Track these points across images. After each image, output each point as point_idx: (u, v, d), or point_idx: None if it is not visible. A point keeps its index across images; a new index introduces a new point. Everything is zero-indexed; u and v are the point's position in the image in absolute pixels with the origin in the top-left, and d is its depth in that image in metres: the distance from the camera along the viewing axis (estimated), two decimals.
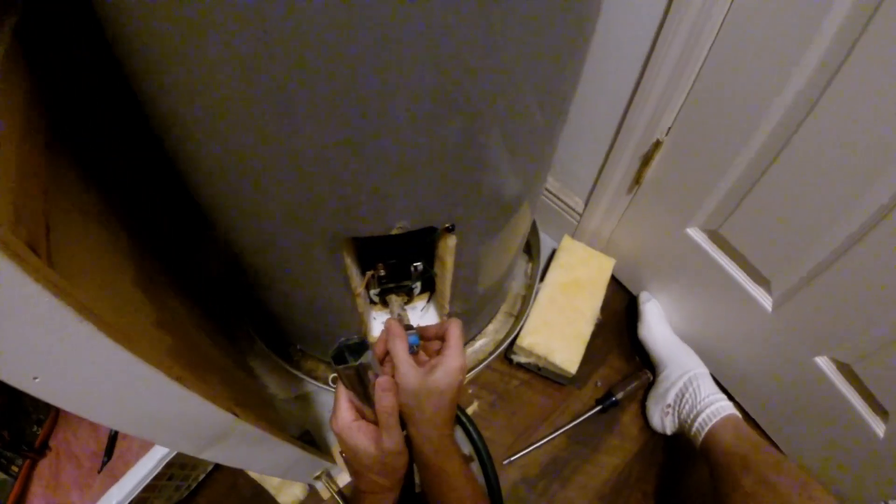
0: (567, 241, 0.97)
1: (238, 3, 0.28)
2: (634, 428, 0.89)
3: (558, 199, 0.97)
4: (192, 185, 0.49)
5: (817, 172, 0.56)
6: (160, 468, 0.60)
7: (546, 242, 1.03)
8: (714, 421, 0.73)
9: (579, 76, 0.51)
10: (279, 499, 0.79)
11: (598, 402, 0.89)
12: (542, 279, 0.94)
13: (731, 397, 0.86)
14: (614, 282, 1.01)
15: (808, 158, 0.56)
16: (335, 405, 0.46)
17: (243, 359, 0.87)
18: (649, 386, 0.91)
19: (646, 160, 0.75)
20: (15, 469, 0.63)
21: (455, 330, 0.47)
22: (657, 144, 0.71)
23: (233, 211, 0.50)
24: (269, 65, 0.31)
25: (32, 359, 0.24)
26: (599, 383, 0.93)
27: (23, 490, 0.62)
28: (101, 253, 0.45)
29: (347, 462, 0.48)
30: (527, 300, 0.93)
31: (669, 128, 0.69)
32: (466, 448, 0.50)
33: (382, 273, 0.65)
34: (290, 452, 0.58)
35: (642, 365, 0.94)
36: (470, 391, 0.90)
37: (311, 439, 0.82)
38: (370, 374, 0.43)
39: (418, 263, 0.66)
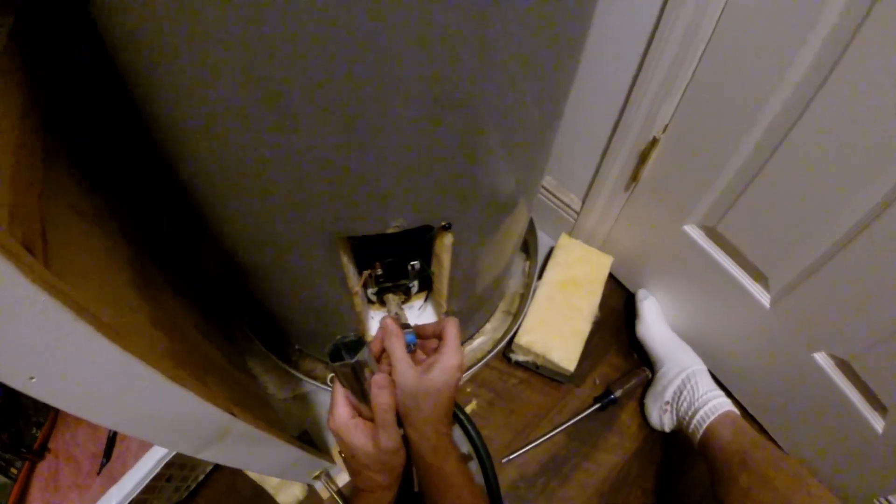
0: (564, 239, 0.97)
1: (236, 2, 0.28)
2: (633, 425, 0.90)
3: (555, 197, 0.97)
4: (187, 183, 0.49)
5: (813, 169, 0.56)
6: (159, 469, 0.60)
7: (543, 240, 1.03)
8: (712, 418, 0.73)
9: (575, 74, 0.51)
10: (278, 499, 0.79)
11: (596, 400, 0.90)
12: (539, 277, 0.94)
13: (729, 394, 0.87)
14: (612, 279, 1.01)
15: (804, 155, 0.56)
16: (332, 403, 0.46)
17: (242, 359, 0.87)
18: (648, 383, 0.91)
19: (643, 158, 0.75)
20: (14, 471, 0.63)
21: (452, 328, 0.47)
22: (654, 142, 0.72)
23: (229, 210, 0.50)
24: (265, 64, 0.31)
25: (29, 359, 0.24)
26: (598, 381, 0.93)
27: (22, 492, 0.62)
28: (99, 253, 0.45)
29: (345, 460, 0.48)
30: (524, 298, 0.93)
31: (666, 125, 0.69)
32: (465, 446, 0.50)
33: (380, 272, 0.65)
34: (289, 452, 0.58)
35: (640, 362, 0.95)
36: (468, 390, 0.90)
37: (309, 439, 0.82)
38: (367, 372, 0.43)
39: (415, 262, 0.66)
